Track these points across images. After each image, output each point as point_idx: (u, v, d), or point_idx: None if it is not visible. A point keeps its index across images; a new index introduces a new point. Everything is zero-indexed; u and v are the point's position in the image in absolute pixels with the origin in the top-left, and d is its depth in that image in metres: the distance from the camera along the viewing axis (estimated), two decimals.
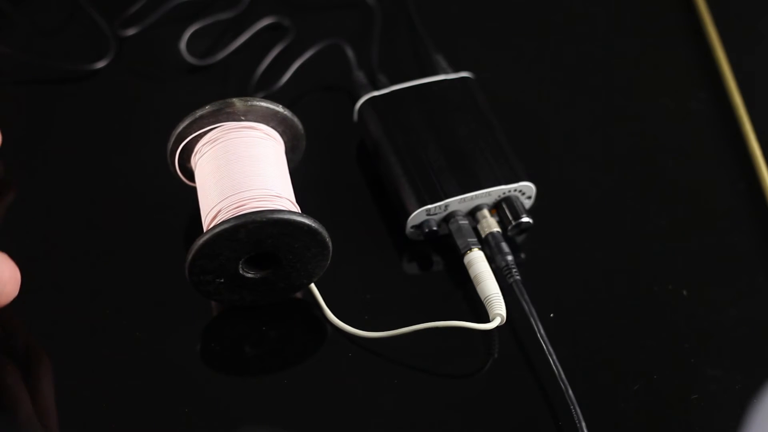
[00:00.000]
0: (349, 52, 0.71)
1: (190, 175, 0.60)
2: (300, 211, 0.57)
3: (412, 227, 0.62)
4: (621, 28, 0.78)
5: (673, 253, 0.64)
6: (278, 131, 0.59)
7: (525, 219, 0.61)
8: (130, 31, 0.72)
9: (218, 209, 0.55)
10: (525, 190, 0.63)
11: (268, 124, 0.58)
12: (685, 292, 0.62)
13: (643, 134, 0.71)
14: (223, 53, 0.72)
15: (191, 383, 0.57)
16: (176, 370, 0.58)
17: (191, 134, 0.57)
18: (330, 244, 0.56)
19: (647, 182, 0.68)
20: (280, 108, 0.58)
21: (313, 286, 0.59)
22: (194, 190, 0.59)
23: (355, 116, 0.67)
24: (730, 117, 0.71)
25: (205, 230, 0.55)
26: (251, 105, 0.57)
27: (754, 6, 0.80)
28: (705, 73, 0.74)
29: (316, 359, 0.59)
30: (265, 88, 0.70)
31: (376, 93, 0.66)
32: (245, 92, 0.58)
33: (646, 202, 0.67)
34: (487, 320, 0.58)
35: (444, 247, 0.63)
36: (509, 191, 0.62)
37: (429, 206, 0.61)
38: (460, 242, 0.61)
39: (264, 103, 0.57)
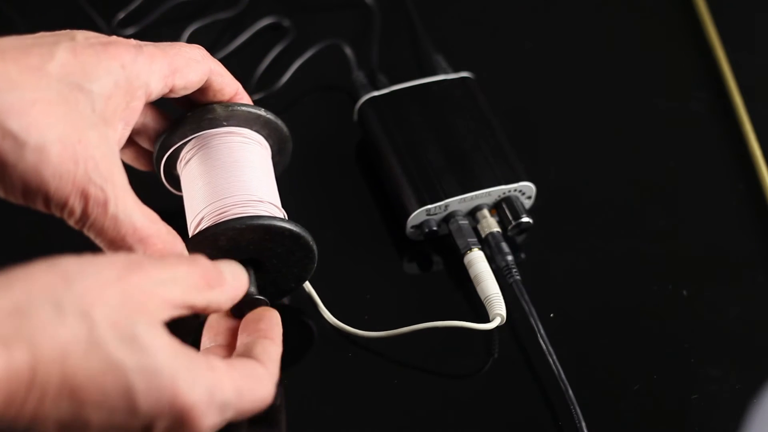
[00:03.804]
0: (349, 52, 0.71)
1: (178, 183, 0.59)
2: (284, 215, 0.56)
3: (412, 227, 0.62)
4: (621, 29, 0.78)
5: (673, 253, 0.64)
6: (263, 135, 0.58)
7: (525, 219, 0.61)
8: (129, 31, 0.72)
9: (201, 216, 0.54)
10: (525, 190, 0.62)
11: (251, 128, 0.57)
12: (685, 292, 0.62)
13: (643, 134, 0.71)
14: (222, 53, 0.72)
15: None
16: None
17: (175, 143, 0.56)
18: (314, 246, 0.55)
19: (647, 182, 0.68)
20: (261, 111, 0.57)
21: (311, 288, 0.59)
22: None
23: (355, 116, 0.67)
24: (730, 117, 0.71)
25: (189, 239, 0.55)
26: (232, 110, 0.56)
27: (753, 6, 0.80)
28: (705, 73, 0.74)
29: (316, 359, 0.59)
30: (265, 88, 0.70)
31: (376, 93, 0.66)
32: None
33: (646, 202, 0.67)
34: (487, 320, 0.58)
35: (444, 247, 0.63)
36: (509, 191, 0.62)
37: (429, 206, 0.61)
38: (460, 242, 0.61)
39: (245, 108, 0.56)
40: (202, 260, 0.48)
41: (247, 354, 0.50)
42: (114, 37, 0.51)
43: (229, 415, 0.46)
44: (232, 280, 0.50)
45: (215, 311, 0.49)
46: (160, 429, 0.43)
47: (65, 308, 0.41)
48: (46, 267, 0.42)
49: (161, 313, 0.44)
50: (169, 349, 0.43)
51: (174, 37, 0.71)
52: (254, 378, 0.47)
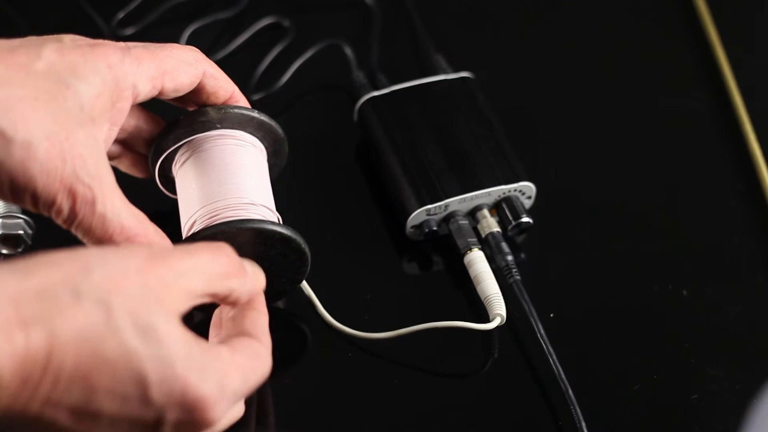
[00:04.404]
0: (349, 52, 0.71)
1: (175, 186, 0.59)
2: (278, 217, 0.56)
3: (412, 227, 0.62)
4: (621, 29, 0.78)
5: (673, 253, 0.64)
6: (257, 136, 0.57)
7: (525, 219, 0.61)
8: (129, 31, 0.72)
9: (193, 220, 0.54)
10: (525, 190, 0.62)
11: (245, 131, 0.57)
12: (685, 292, 0.62)
13: (642, 134, 0.71)
14: (222, 53, 0.72)
15: None
16: None
17: (169, 146, 0.56)
18: (307, 249, 0.55)
19: (647, 182, 0.68)
20: (255, 113, 0.56)
21: (310, 290, 0.59)
22: None
23: (355, 116, 0.67)
24: (730, 117, 0.71)
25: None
26: (225, 112, 0.55)
27: (753, 6, 0.80)
28: (705, 73, 0.74)
29: (316, 361, 0.59)
30: (265, 88, 0.70)
31: (376, 93, 0.66)
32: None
33: (646, 202, 0.67)
34: (487, 320, 0.58)
35: (444, 247, 0.63)
36: (509, 191, 0.62)
37: (429, 206, 0.61)
38: (460, 242, 0.61)
39: (238, 110, 0.56)
40: (226, 248, 0.48)
41: (238, 330, 0.50)
42: (101, 40, 0.51)
43: (237, 400, 0.46)
44: (252, 273, 0.50)
45: (234, 302, 0.49)
46: (171, 420, 0.43)
47: (84, 295, 0.41)
48: (68, 255, 0.43)
49: (181, 304, 0.45)
50: (182, 342, 0.43)
51: (174, 37, 0.71)
52: (255, 358, 0.48)
